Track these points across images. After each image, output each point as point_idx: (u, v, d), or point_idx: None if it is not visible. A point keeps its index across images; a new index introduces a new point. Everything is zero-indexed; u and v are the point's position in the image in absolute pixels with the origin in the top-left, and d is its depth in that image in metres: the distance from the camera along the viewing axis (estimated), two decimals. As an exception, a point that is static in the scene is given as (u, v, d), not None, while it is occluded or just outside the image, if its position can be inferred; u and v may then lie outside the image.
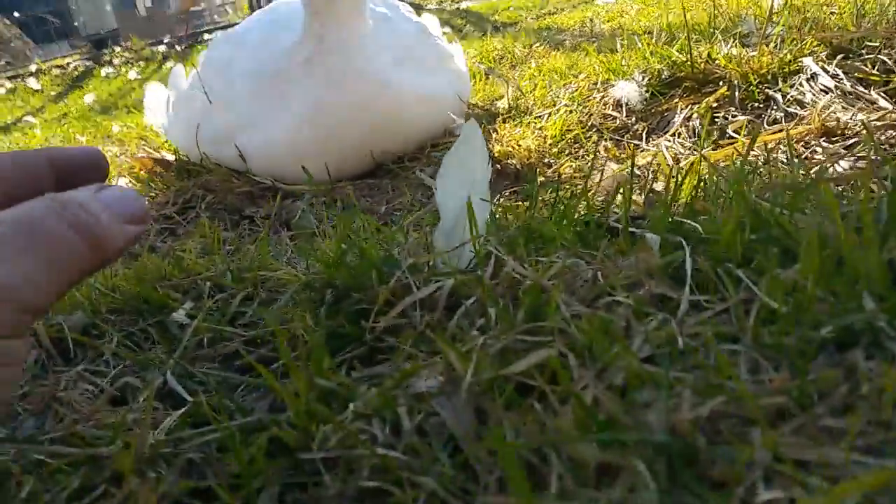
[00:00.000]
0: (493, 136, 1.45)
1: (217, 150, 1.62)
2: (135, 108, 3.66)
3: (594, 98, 1.59)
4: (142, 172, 1.71)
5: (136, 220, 0.39)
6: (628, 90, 1.50)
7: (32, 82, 5.77)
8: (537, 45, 2.88)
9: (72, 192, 0.37)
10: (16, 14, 11.00)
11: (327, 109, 1.45)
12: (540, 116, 1.56)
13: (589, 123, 1.44)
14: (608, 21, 3.42)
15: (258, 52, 1.59)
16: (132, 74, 5.25)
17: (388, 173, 1.52)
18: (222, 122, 1.58)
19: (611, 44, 2.52)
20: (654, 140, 1.32)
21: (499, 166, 1.28)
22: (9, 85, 5.91)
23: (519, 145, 1.32)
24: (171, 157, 1.77)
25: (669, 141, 1.29)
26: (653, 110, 1.46)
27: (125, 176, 1.79)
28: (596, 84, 1.70)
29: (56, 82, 5.83)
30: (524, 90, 1.87)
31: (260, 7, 6.90)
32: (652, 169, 1.13)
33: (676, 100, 1.44)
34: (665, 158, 1.15)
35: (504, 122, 1.62)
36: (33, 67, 6.55)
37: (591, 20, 3.50)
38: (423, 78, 1.59)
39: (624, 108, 1.48)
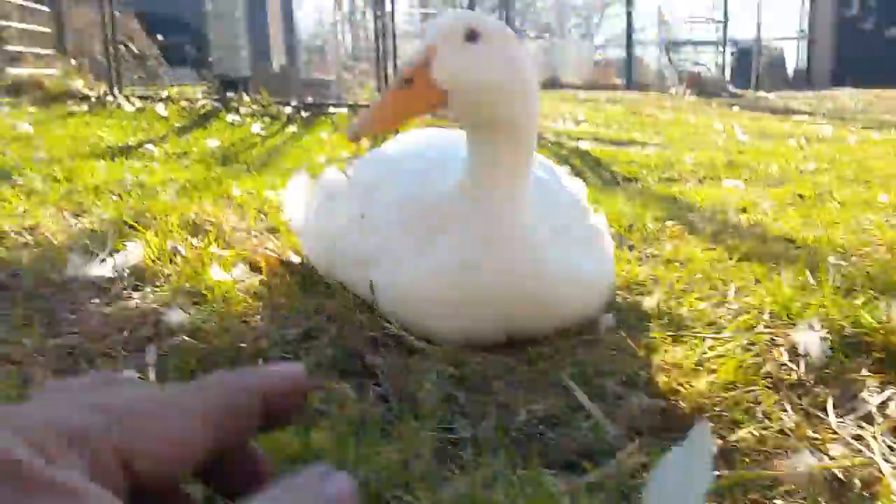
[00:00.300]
0: (651, 356, 1.31)
1: (348, 274, 1.52)
2: (254, 170, 3.69)
3: (764, 334, 1.44)
4: (265, 269, 1.62)
5: None
6: (809, 341, 1.34)
7: (160, 108, 6.00)
8: (671, 223, 2.77)
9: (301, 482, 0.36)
10: (160, 37, 11.70)
11: (475, 270, 1.34)
12: (701, 337, 1.41)
13: (762, 369, 1.28)
14: (743, 211, 3.30)
15: (410, 186, 1.52)
16: (255, 128, 5.38)
17: (522, 351, 1.38)
18: (360, 248, 1.49)
19: (754, 246, 2.39)
20: (845, 423, 1.15)
21: (663, 403, 1.12)
22: (139, 104, 6.15)
23: (690, 385, 1.16)
24: (296, 260, 1.68)
25: (864, 427, 1.12)
26: (835, 372, 1.30)
27: (245, 264, 1.72)
28: (761, 312, 1.55)
29: (182, 114, 6.03)
30: (675, 289, 1.74)
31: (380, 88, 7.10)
32: (856, 479, 0.96)
33: (865, 371, 1.28)
34: (883, 471, 0.98)
35: (656, 328, 1.48)
36: (164, 93, 6.83)
37: (723, 205, 3.39)
38: (576, 257, 1.47)
39: (802, 362, 1.32)
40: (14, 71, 7.12)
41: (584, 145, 6.24)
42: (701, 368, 1.28)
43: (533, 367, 1.30)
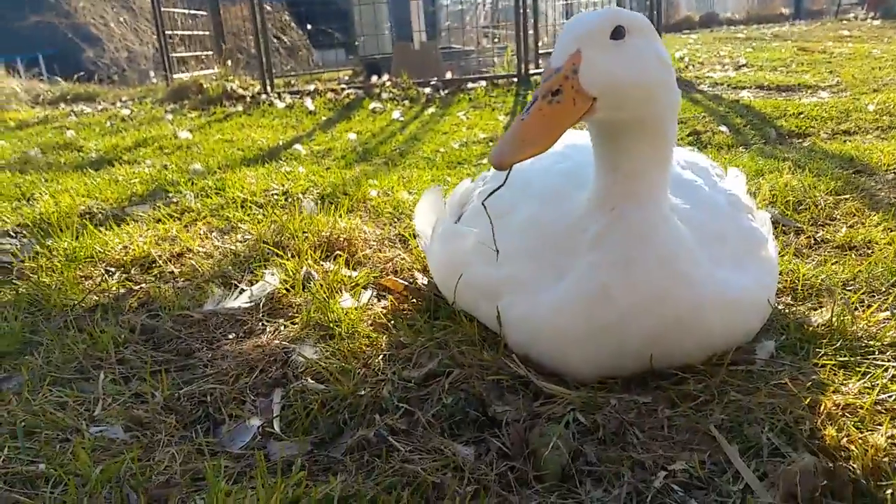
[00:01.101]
0: (818, 395, 1.12)
1: (475, 303, 1.44)
2: (392, 163, 3.71)
3: (962, 359, 1.20)
4: (391, 296, 1.58)
5: None
6: None
7: (308, 102, 6.20)
8: (846, 197, 2.44)
9: None
10: (308, 26, 12.12)
11: (611, 297, 1.20)
12: (880, 365, 1.20)
13: (959, 411, 1.07)
14: (935, 168, 2.85)
15: (545, 206, 1.39)
16: (395, 114, 5.42)
17: (663, 390, 1.24)
18: (489, 275, 1.40)
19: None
20: None
21: (830, 465, 0.95)
22: (288, 100, 6.40)
23: (863, 440, 0.98)
24: (424, 280, 1.63)
25: None
26: None
27: (373, 288, 1.69)
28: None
29: (328, 106, 6.20)
30: (849, 298, 1.51)
31: (526, 60, 6.91)
32: None
33: None
34: None
35: (825, 353, 1.28)
36: (311, 87, 7.06)
37: (911, 163, 2.95)
38: (730, 273, 1.29)
39: None
40: (177, 76, 7.66)
41: (746, 96, 5.73)
42: (880, 411, 1.09)
43: (676, 411, 1.17)
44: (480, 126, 4.74)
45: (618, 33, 1.12)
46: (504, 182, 1.25)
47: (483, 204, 1.34)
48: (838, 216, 2.27)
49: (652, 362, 1.25)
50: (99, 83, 9.36)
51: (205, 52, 8.81)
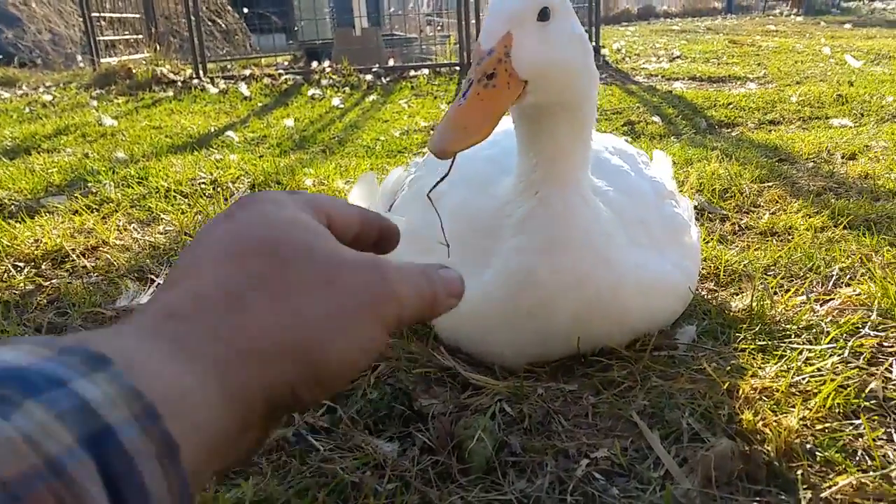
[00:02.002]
0: (737, 380, 1.14)
1: (402, 294, 1.42)
2: (330, 151, 3.64)
3: (870, 339, 1.24)
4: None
5: (456, 296, 0.59)
6: (929, 354, 1.14)
7: (243, 88, 6.04)
8: (770, 184, 2.50)
9: (430, 266, 0.57)
10: (245, 10, 11.83)
11: (534, 281, 1.20)
12: (797, 348, 1.23)
13: (865, 389, 1.10)
14: (850, 157, 2.96)
15: (472, 193, 1.38)
16: (335, 101, 5.32)
17: (588, 377, 1.25)
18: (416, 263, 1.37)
19: (863, 207, 2.12)
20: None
21: (747, 449, 0.97)
22: (222, 85, 6.21)
23: (777, 423, 1.00)
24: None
25: None
26: (960, 392, 1.10)
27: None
28: (870, 310, 1.35)
29: (265, 92, 6.05)
30: (769, 283, 1.54)
31: (469, 49, 6.87)
32: None
33: None
34: None
35: (744, 338, 1.30)
36: (247, 71, 6.87)
37: (830, 152, 3.05)
38: (650, 256, 1.31)
39: (919, 379, 1.12)
40: (104, 60, 7.37)
41: (679, 87, 5.84)
42: (794, 393, 1.11)
43: (601, 398, 1.17)
44: (422, 114, 4.70)
45: (544, 14, 1.10)
46: (448, 172, 1.22)
47: (428, 196, 1.32)
48: (762, 203, 2.33)
49: (579, 346, 1.26)
50: (20, 67, 8.92)
51: (134, 36, 8.50)
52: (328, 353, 0.45)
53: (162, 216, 2.34)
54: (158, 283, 1.67)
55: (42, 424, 0.30)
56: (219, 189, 2.67)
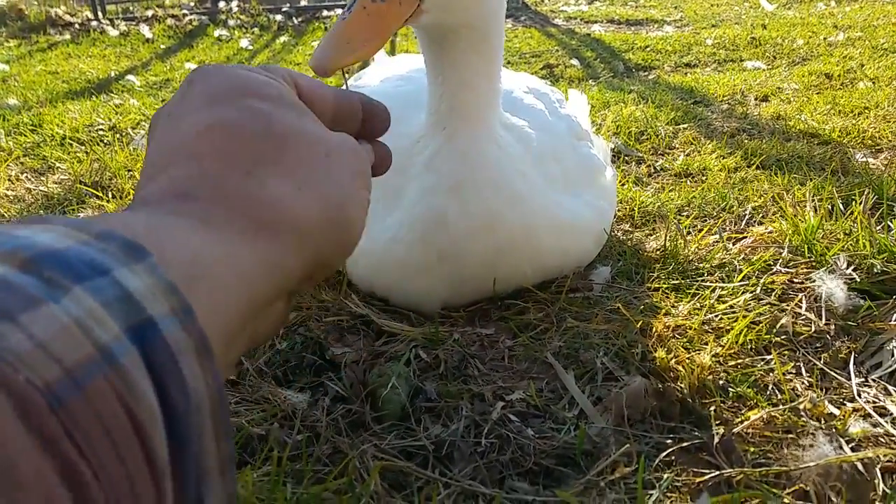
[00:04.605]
0: (651, 319, 1.14)
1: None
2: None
3: (782, 275, 1.26)
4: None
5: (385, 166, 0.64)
6: (830, 288, 1.17)
7: (145, 30, 5.68)
8: (685, 126, 2.53)
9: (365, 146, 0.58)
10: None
11: (445, 222, 1.16)
12: (708, 286, 1.24)
13: (776, 325, 1.12)
14: (763, 99, 3.03)
15: None
16: (244, 42, 5.08)
17: (505, 321, 1.23)
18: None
19: (776, 147, 2.17)
20: (868, 383, 0.99)
21: (660, 386, 0.97)
22: (123, 27, 5.83)
23: (690, 360, 1.01)
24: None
25: (891, 393, 0.96)
26: (861, 321, 1.13)
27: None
28: (781, 247, 1.37)
29: (168, 33, 5.71)
30: (683, 223, 1.55)
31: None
32: (880, 460, 0.82)
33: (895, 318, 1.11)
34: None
35: (658, 277, 1.31)
36: (150, 12, 6.47)
37: (743, 94, 3.11)
38: (563, 196, 1.29)
39: (823, 311, 1.15)
40: (-8, 1, 6.81)
41: (598, 30, 5.84)
42: (707, 331, 1.12)
43: (517, 341, 1.16)
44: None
45: None
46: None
47: None
48: (677, 145, 2.35)
49: (494, 288, 1.24)
50: None
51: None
52: (350, 221, 0.48)
53: (57, 165, 2.18)
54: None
55: (92, 311, 0.29)
56: (118, 136, 2.51)
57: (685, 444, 0.88)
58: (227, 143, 0.43)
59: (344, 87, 1.05)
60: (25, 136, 2.52)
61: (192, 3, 8.34)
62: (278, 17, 6.16)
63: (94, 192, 1.81)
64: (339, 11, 6.58)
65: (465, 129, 1.16)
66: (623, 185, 1.90)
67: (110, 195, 1.79)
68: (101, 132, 2.55)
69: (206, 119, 0.44)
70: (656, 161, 2.18)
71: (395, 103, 1.38)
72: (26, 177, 2.09)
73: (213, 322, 0.36)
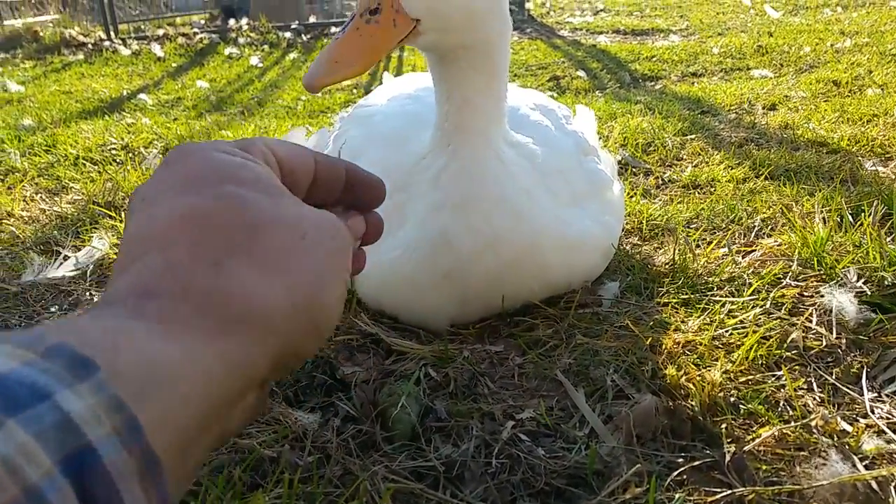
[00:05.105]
0: (660, 336, 1.14)
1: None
2: (249, 112, 3.51)
3: (792, 289, 1.26)
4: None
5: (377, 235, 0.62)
6: (841, 302, 1.16)
7: (157, 48, 5.75)
8: (692, 137, 2.53)
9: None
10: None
11: (447, 241, 1.17)
12: (720, 301, 1.24)
13: (787, 339, 1.12)
14: (770, 108, 3.02)
15: (388, 149, 1.33)
16: (254, 60, 5.13)
17: (514, 338, 1.23)
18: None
19: (784, 157, 2.17)
20: (882, 399, 0.99)
21: (670, 404, 0.97)
22: (135, 47, 5.90)
23: (701, 377, 1.00)
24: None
25: (906, 414, 0.96)
26: (872, 335, 1.12)
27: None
28: (791, 260, 1.37)
29: (179, 52, 5.78)
30: (692, 237, 1.55)
31: None
32: (895, 478, 0.81)
33: (908, 333, 1.10)
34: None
35: (667, 292, 1.31)
36: (161, 31, 6.54)
37: (751, 103, 3.11)
38: (569, 212, 1.29)
39: (834, 325, 1.15)
40: (8, 22, 6.91)
41: (604, 40, 5.86)
42: (717, 346, 1.12)
43: (526, 358, 1.16)
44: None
45: None
46: None
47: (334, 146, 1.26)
48: (685, 156, 2.35)
49: (500, 305, 1.24)
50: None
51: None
52: (323, 306, 0.46)
53: (70, 185, 2.21)
54: (65, 256, 1.57)
55: (23, 446, 0.29)
56: (130, 155, 2.54)
57: (697, 462, 0.88)
58: (199, 233, 0.43)
59: (337, 155, 1.07)
60: (40, 156, 2.56)
61: (203, 22, 8.44)
62: (287, 35, 6.22)
63: (107, 212, 1.83)
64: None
65: (469, 146, 1.17)
66: (631, 197, 1.90)
67: (122, 215, 1.81)
68: (113, 152, 2.58)
69: (180, 208, 0.44)
70: (664, 173, 2.18)
71: (401, 122, 1.41)
72: (41, 197, 2.11)
73: (167, 432, 0.35)
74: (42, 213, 1.96)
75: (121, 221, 1.75)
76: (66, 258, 1.57)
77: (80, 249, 1.63)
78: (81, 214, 1.88)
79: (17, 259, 1.61)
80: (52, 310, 1.40)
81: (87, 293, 1.46)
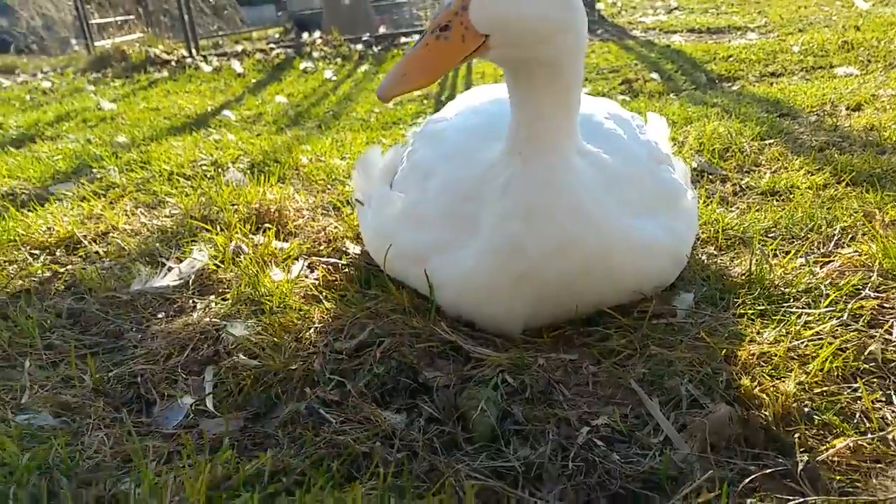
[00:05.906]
0: (735, 346, 1.16)
1: (404, 269, 1.44)
2: (325, 124, 3.64)
3: (871, 300, 1.26)
4: (322, 268, 1.57)
5: None
6: (923, 311, 1.16)
7: (236, 65, 6.01)
8: (771, 142, 2.50)
9: None
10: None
11: (521, 246, 1.22)
12: (794, 312, 1.25)
13: (864, 351, 1.12)
14: (855, 109, 2.93)
15: (457, 163, 1.39)
16: (328, 73, 5.31)
17: (588, 347, 1.27)
18: (414, 239, 1.40)
19: (867, 161, 2.12)
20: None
21: (744, 414, 1.00)
22: (215, 63, 6.19)
23: (775, 388, 1.03)
24: (355, 251, 1.63)
25: None
26: (955, 347, 1.12)
27: (304, 260, 1.67)
28: (871, 271, 1.36)
29: (258, 67, 6.03)
30: (768, 246, 1.56)
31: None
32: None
33: None
34: None
35: (743, 302, 1.32)
36: (239, 47, 6.83)
37: (834, 104, 3.03)
38: (641, 220, 1.31)
39: (914, 337, 1.14)
40: (98, 43, 7.33)
41: (678, 40, 5.78)
42: (792, 357, 1.13)
43: (600, 367, 1.20)
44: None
45: None
46: None
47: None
48: (763, 162, 2.32)
49: (574, 311, 1.28)
50: (17, 54, 8.89)
51: (125, 17, 8.42)
52: None
53: (167, 199, 2.36)
54: (169, 267, 1.69)
55: None
56: (219, 170, 2.69)
57: (769, 470, 0.90)
58: None
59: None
60: (136, 172, 2.74)
61: (277, 35, 8.74)
62: (359, 47, 6.39)
63: (204, 225, 1.96)
64: (416, 37, 6.73)
65: (540, 156, 1.22)
66: (707, 205, 1.90)
67: (218, 228, 1.94)
68: (203, 167, 2.74)
69: None
70: (741, 179, 2.16)
71: (467, 135, 1.47)
72: (140, 211, 2.27)
73: None
74: (143, 226, 2.11)
75: (217, 234, 1.87)
76: (169, 269, 1.69)
77: (181, 261, 1.75)
78: (180, 227, 2.02)
79: (125, 270, 1.74)
80: (160, 316, 1.52)
81: (190, 301, 1.57)
